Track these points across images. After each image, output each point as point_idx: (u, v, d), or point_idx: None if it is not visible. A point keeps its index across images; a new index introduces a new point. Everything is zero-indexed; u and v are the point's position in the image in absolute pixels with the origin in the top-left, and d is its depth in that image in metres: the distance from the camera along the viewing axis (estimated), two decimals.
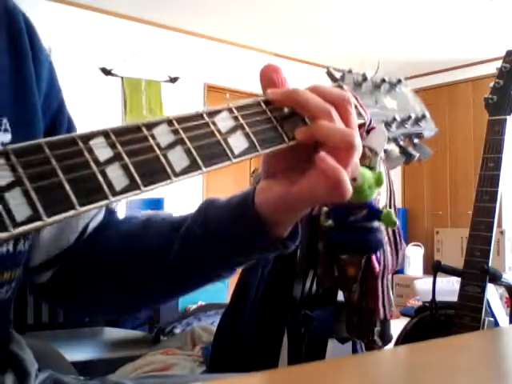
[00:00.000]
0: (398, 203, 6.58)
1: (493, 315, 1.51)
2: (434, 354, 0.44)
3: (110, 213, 0.71)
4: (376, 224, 0.83)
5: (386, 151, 0.67)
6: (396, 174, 6.67)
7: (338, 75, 0.65)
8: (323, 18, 4.95)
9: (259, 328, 1.55)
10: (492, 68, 1.74)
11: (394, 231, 1.01)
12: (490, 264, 1.48)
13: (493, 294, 1.59)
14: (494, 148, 1.53)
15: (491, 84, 1.60)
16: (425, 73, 6.26)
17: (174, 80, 5.12)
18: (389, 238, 1.00)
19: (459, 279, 1.53)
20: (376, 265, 0.98)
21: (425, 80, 6.21)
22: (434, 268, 1.59)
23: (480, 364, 0.43)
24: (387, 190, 0.92)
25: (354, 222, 0.72)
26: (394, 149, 0.70)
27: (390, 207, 0.89)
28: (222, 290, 3.61)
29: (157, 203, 3.31)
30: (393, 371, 0.42)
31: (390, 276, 1.15)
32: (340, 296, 1.34)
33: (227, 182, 5.22)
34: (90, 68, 4.69)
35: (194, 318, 2.58)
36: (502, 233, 4.96)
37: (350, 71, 0.67)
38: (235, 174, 5.24)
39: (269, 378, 0.37)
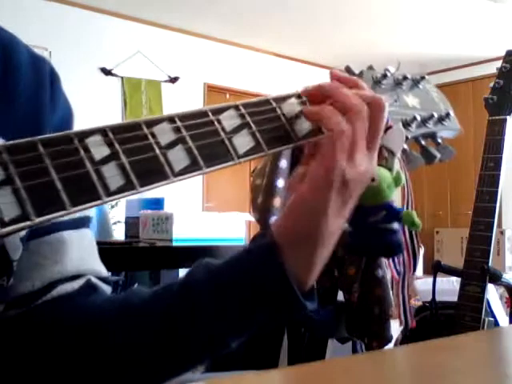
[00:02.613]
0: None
1: (493, 315, 1.51)
2: (434, 354, 0.44)
3: (91, 288, 0.60)
4: (396, 225, 0.80)
5: (404, 151, 0.64)
6: None
7: (356, 72, 0.62)
8: (323, 17, 4.94)
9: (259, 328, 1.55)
10: (492, 68, 1.74)
11: (410, 234, 0.98)
12: (490, 264, 1.48)
13: (493, 294, 1.59)
14: (493, 148, 1.53)
15: (491, 84, 1.60)
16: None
17: (173, 80, 5.12)
18: (406, 242, 0.97)
19: (459, 279, 1.53)
20: (395, 274, 0.95)
21: None
22: (434, 268, 1.58)
23: (480, 364, 0.43)
24: (405, 192, 0.90)
25: (375, 223, 0.70)
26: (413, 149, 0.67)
27: (407, 208, 0.86)
28: None
29: (157, 203, 3.29)
30: (393, 371, 0.42)
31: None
32: (340, 296, 1.34)
33: (227, 181, 5.21)
34: (89, 68, 4.69)
35: None
36: (501, 233, 4.95)
37: (370, 68, 0.64)
38: (235, 173, 5.23)
39: (269, 378, 0.37)
